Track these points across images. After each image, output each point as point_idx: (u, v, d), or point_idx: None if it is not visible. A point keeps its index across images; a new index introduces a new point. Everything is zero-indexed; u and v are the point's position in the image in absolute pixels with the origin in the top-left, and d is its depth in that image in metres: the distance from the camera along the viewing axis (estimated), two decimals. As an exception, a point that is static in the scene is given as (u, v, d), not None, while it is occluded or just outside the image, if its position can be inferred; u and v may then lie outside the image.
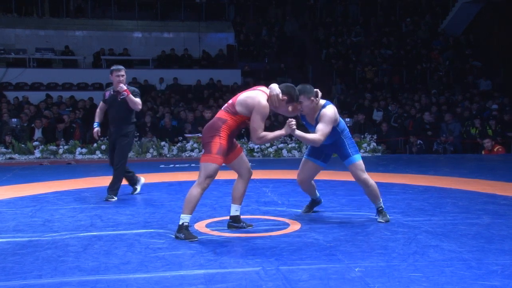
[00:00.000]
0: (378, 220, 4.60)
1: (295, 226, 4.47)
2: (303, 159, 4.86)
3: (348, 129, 4.70)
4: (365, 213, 5.01)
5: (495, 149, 11.15)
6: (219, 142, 4.01)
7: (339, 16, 20.24)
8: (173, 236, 4.09)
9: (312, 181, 4.93)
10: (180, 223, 4.04)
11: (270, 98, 4.14)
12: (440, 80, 16.78)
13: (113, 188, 5.87)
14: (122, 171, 5.91)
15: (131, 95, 5.81)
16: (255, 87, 4.31)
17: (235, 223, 4.40)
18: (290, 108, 4.20)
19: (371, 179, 4.62)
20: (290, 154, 10.93)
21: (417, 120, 13.00)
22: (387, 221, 4.56)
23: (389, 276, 3.14)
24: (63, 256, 3.63)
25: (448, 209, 5.16)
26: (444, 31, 19.09)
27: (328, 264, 3.39)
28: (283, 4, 20.39)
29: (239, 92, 4.36)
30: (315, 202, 5.04)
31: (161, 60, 17.74)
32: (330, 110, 4.41)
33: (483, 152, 11.28)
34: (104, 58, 17.22)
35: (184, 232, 4.01)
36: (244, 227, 4.41)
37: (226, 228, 4.41)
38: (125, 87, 5.81)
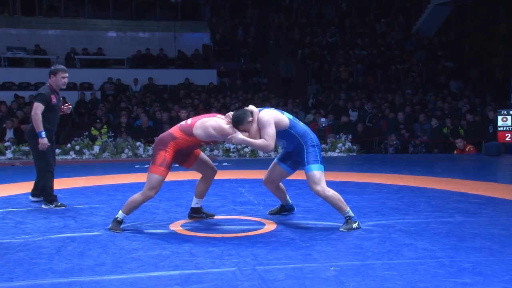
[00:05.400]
0: (340, 228, 4.33)
1: (271, 226, 4.49)
2: (273, 161, 4.82)
3: (312, 136, 4.44)
4: (340, 212, 5.04)
5: (467, 149, 11.37)
6: (164, 155, 4.25)
7: (314, 17, 20.37)
8: (149, 236, 4.07)
9: (281, 186, 4.86)
10: (116, 216, 4.35)
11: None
12: (414, 81, 17.04)
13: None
14: None
15: None
16: (213, 114, 4.50)
17: (194, 213, 4.77)
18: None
19: (329, 190, 4.33)
20: (266, 154, 10.95)
21: (391, 120, 13.18)
22: (348, 230, 4.28)
23: (364, 274, 3.18)
24: (35, 258, 3.57)
25: (422, 208, 5.24)
26: (417, 32, 19.39)
27: (303, 263, 3.41)
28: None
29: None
30: (283, 208, 4.96)
31: (136, 60, 17.59)
32: (262, 114, 4.29)
33: (455, 152, 11.49)
34: (78, 58, 17.00)
35: (113, 223, 4.33)
36: (204, 218, 4.76)
37: (187, 217, 4.76)
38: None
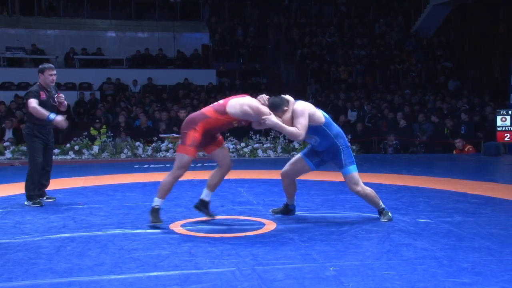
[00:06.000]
0: (381, 220, 4.60)
1: (270, 226, 4.49)
2: (298, 155, 4.83)
3: (344, 136, 4.60)
4: (339, 212, 5.05)
5: (466, 149, 11.38)
6: (193, 135, 4.26)
7: (313, 17, 20.38)
8: (148, 236, 4.08)
9: (295, 183, 4.85)
10: (152, 205, 4.41)
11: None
12: (413, 81, 17.04)
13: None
14: None
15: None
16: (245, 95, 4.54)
17: (202, 206, 4.67)
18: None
19: (366, 188, 4.57)
20: (265, 154, 10.95)
21: (391, 121, 13.18)
22: (389, 220, 4.57)
23: (363, 274, 3.18)
24: (34, 258, 3.57)
25: (421, 208, 5.24)
26: (417, 32, 19.40)
27: (303, 263, 3.41)
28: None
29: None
30: (287, 208, 4.93)
31: (135, 60, 17.60)
32: (299, 104, 4.41)
33: (454, 152, 11.50)
34: (77, 58, 16.99)
35: (152, 215, 4.39)
36: (209, 215, 4.68)
37: (193, 207, 4.73)
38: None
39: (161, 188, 4.39)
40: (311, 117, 4.37)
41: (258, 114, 4.27)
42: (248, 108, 4.27)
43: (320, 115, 4.47)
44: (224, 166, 4.60)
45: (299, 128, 4.29)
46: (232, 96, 4.48)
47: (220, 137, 4.63)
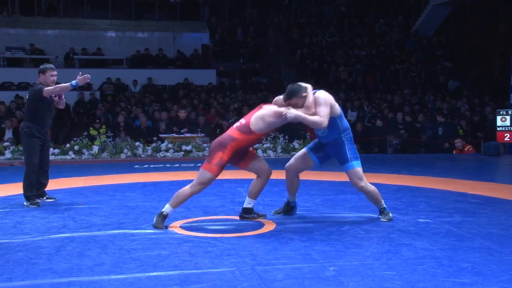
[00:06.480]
0: (381, 219, 4.61)
1: (270, 226, 4.49)
2: (303, 149, 4.84)
3: (351, 132, 4.61)
4: (339, 212, 5.06)
5: (466, 149, 11.38)
6: (220, 156, 4.31)
7: (313, 17, 20.38)
8: (148, 236, 4.09)
9: (299, 177, 4.85)
10: (162, 210, 4.42)
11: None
12: (413, 81, 17.04)
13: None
14: None
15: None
16: (259, 107, 4.55)
17: (246, 214, 4.72)
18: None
19: (370, 185, 4.58)
20: (265, 154, 10.94)
21: (391, 121, 13.18)
22: (389, 220, 4.58)
23: (363, 274, 3.18)
24: (34, 258, 3.57)
25: (421, 208, 5.24)
26: (417, 32, 19.40)
27: (303, 263, 3.41)
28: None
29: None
30: (289, 206, 4.93)
31: (135, 60, 17.59)
32: (321, 93, 4.42)
33: (454, 152, 11.50)
34: (77, 58, 16.99)
35: (158, 219, 4.40)
36: (256, 218, 4.72)
37: (239, 219, 4.71)
38: None
39: (176, 197, 4.39)
40: (331, 108, 4.38)
41: (279, 116, 4.31)
42: (269, 117, 4.32)
43: (338, 107, 4.51)
44: (263, 175, 4.62)
45: (322, 116, 4.30)
46: (250, 113, 4.48)
47: (251, 150, 4.64)
